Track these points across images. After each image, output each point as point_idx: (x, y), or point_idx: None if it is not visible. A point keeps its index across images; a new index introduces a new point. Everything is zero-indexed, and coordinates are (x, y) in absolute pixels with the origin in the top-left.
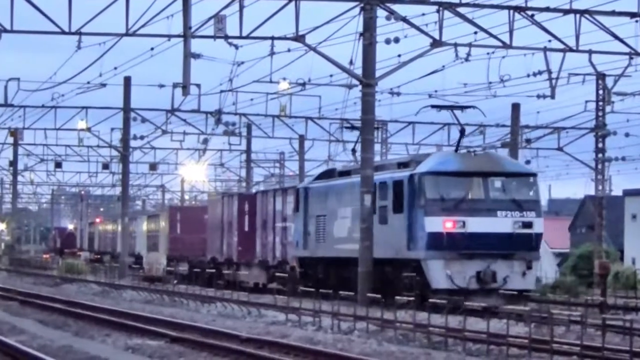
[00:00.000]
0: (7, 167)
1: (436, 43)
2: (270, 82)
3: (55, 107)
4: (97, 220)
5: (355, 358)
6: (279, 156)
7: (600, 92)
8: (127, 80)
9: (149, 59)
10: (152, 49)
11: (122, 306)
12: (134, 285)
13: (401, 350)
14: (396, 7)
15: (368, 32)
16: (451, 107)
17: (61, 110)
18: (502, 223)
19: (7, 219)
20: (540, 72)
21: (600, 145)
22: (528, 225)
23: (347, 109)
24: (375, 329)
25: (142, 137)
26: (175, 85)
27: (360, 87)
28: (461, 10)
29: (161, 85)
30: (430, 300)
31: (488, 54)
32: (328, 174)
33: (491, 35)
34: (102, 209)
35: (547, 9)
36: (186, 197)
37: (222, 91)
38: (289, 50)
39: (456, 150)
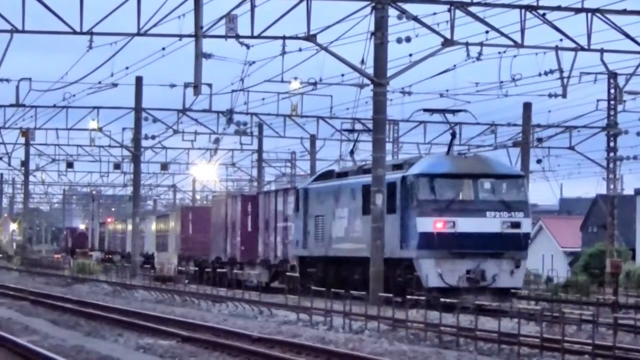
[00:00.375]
0: (19, 167)
1: (447, 42)
2: (282, 81)
3: (66, 107)
4: (109, 220)
5: (366, 357)
6: (290, 156)
7: (612, 91)
8: (139, 80)
9: (161, 58)
10: (163, 48)
11: (134, 306)
12: (145, 285)
13: (412, 350)
14: (407, 7)
15: (379, 32)
16: (443, 111)
17: (73, 110)
18: (491, 223)
19: (18, 219)
20: (551, 71)
21: (611, 144)
22: (516, 225)
23: (359, 108)
24: (387, 329)
25: (153, 137)
26: (186, 85)
27: (371, 86)
28: (472, 9)
29: (172, 85)
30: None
31: (499, 53)
32: (326, 175)
33: (502, 34)
34: (113, 209)
35: (559, 8)
36: (197, 196)
37: (233, 91)
38: (300, 50)
39: (447, 153)
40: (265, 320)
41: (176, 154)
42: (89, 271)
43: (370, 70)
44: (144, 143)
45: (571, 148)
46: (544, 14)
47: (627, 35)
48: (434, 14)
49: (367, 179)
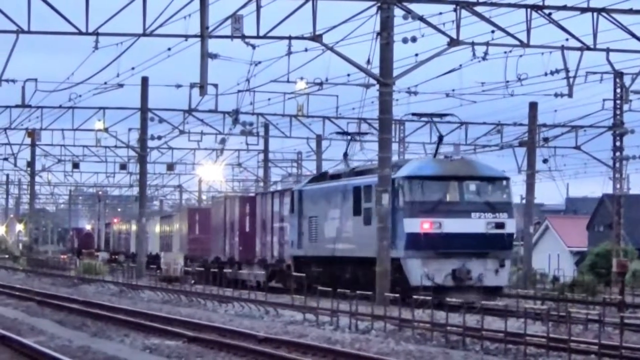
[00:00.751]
0: (25, 167)
1: (453, 42)
2: (288, 81)
3: (72, 107)
4: (115, 220)
5: (373, 358)
6: (297, 156)
7: (618, 90)
8: (145, 81)
9: (166, 59)
10: (169, 49)
11: (140, 306)
12: (151, 285)
13: (419, 350)
14: (413, 6)
15: (385, 32)
16: (431, 115)
17: (78, 110)
18: (476, 224)
19: (25, 220)
20: (557, 71)
21: (618, 143)
22: (500, 225)
23: (365, 108)
24: (393, 329)
25: (159, 137)
26: (192, 85)
27: (377, 86)
28: (478, 9)
29: (178, 86)
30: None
31: (505, 52)
32: (320, 177)
33: (508, 34)
34: (119, 209)
35: (565, 8)
36: (203, 197)
37: (239, 91)
38: (306, 50)
39: (434, 156)
40: (272, 320)
41: (182, 154)
42: (95, 272)
43: (376, 70)
44: (150, 143)
45: (577, 148)
46: (549, 14)
47: (633, 35)
48: (440, 13)
49: (358, 181)
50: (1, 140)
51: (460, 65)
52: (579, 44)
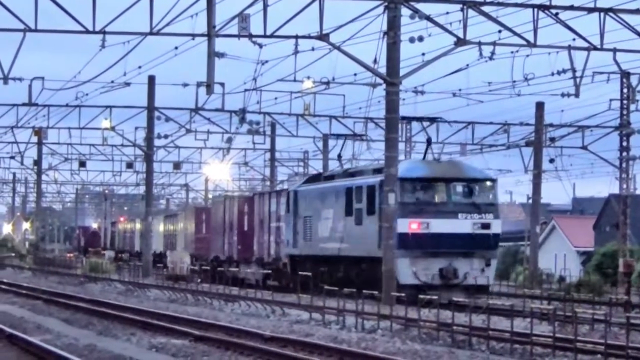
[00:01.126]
0: (32, 166)
1: (460, 42)
2: (294, 80)
3: (79, 106)
4: (121, 219)
5: (379, 357)
6: (303, 155)
7: (625, 90)
8: (151, 79)
9: (173, 58)
10: (176, 48)
11: (146, 305)
12: (157, 284)
13: (425, 349)
14: (420, 6)
15: (392, 31)
16: (420, 119)
17: (85, 109)
18: (463, 224)
19: (31, 218)
20: (564, 71)
21: (624, 143)
22: (486, 226)
23: (371, 107)
24: (399, 328)
25: (166, 136)
26: (199, 84)
27: (384, 85)
28: (485, 8)
29: (185, 84)
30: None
31: (512, 52)
32: (315, 178)
33: (515, 33)
34: (126, 208)
35: (572, 8)
36: (210, 196)
37: (246, 90)
38: (312, 49)
39: (423, 158)
40: (278, 319)
41: (189, 153)
42: (102, 270)
43: (382, 70)
44: (157, 142)
45: (584, 147)
46: (556, 14)
47: None
48: (447, 13)
49: (350, 182)
50: (8, 139)
51: (467, 65)
52: (585, 44)
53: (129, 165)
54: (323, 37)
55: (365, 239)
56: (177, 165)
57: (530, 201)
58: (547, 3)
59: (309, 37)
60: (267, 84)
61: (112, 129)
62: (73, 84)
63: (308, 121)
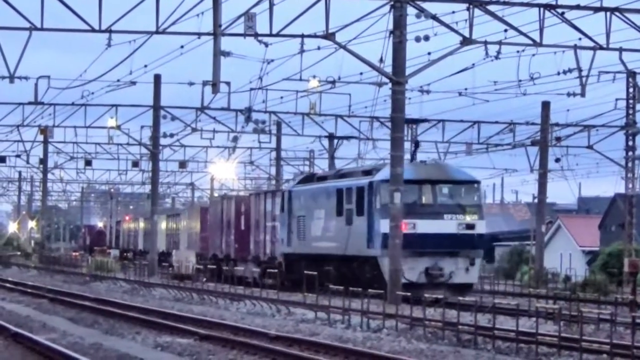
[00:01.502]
0: (37, 165)
1: (466, 41)
2: (300, 80)
3: (85, 104)
4: (127, 218)
5: (385, 356)
6: (309, 154)
7: (631, 90)
8: (157, 78)
9: (179, 56)
10: (182, 46)
11: (152, 304)
12: (163, 283)
13: (431, 349)
14: (426, 5)
15: (398, 30)
16: (407, 122)
17: (91, 108)
18: (448, 225)
19: (37, 217)
20: (570, 70)
21: (630, 143)
22: (471, 226)
23: (377, 106)
24: (405, 327)
25: (171, 135)
26: (205, 83)
27: (390, 85)
28: (491, 8)
29: (191, 83)
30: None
31: (518, 52)
32: (309, 179)
33: (521, 33)
34: (131, 207)
35: (578, 7)
36: (215, 195)
37: (252, 89)
38: (318, 48)
39: (411, 161)
40: (283, 318)
41: (194, 152)
42: (107, 269)
43: (388, 69)
44: (163, 141)
45: (590, 147)
46: (562, 13)
47: None
48: (453, 12)
49: (341, 183)
50: (14, 137)
51: (473, 64)
52: (591, 44)
53: (135, 164)
54: (329, 36)
55: (355, 239)
56: (182, 164)
57: (536, 200)
58: (553, 2)
59: (315, 36)
60: (272, 83)
61: (118, 127)
62: (79, 83)
63: (314, 120)
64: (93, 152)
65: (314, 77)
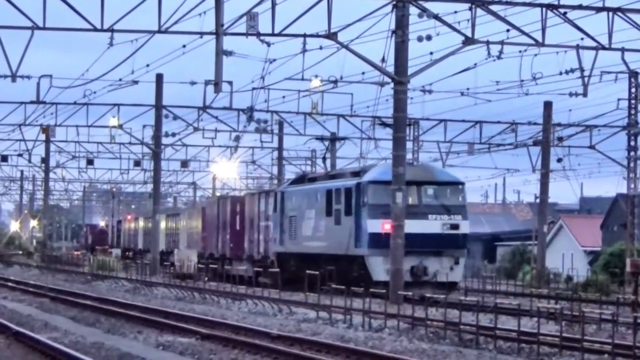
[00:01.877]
0: (39, 164)
1: (468, 41)
2: (302, 79)
3: (87, 104)
4: (129, 217)
5: (386, 356)
6: (311, 154)
7: (633, 90)
8: (159, 78)
9: (181, 56)
10: (184, 46)
11: (153, 303)
12: (165, 282)
13: (432, 348)
14: (428, 5)
15: (400, 30)
16: (388, 125)
17: (93, 107)
18: (433, 225)
19: (39, 216)
20: (572, 70)
21: (632, 143)
22: (455, 227)
23: (379, 106)
24: (406, 327)
25: (173, 134)
26: (207, 83)
27: (392, 84)
28: (493, 7)
29: (193, 83)
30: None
31: (520, 51)
32: (300, 180)
33: (523, 33)
34: (133, 206)
35: (580, 7)
36: (217, 194)
37: (254, 88)
38: (321, 48)
39: None
40: (285, 318)
41: (196, 151)
42: (109, 268)
43: (390, 69)
44: (164, 140)
45: (592, 147)
46: (565, 13)
47: None
48: (455, 12)
49: (330, 184)
50: (16, 137)
51: (475, 64)
52: (594, 44)
53: (137, 163)
54: (331, 35)
55: (343, 238)
56: (184, 164)
57: (538, 200)
58: (556, 2)
59: (317, 35)
60: (275, 83)
61: (120, 127)
62: (81, 82)
63: (316, 120)
64: (95, 152)
65: (316, 76)
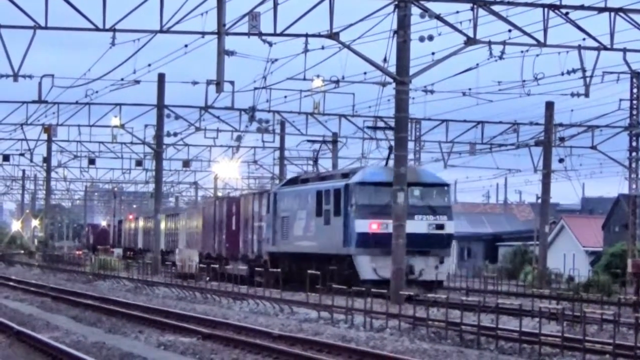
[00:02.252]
0: (41, 163)
1: (470, 41)
2: (304, 79)
3: (89, 103)
4: (130, 217)
5: (387, 356)
6: (312, 153)
7: (635, 90)
8: (161, 77)
9: (183, 55)
10: (186, 45)
11: (155, 303)
12: (166, 282)
13: (434, 348)
14: (430, 5)
15: (402, 30)
16: (384, 128)
17: (95, 106)
18: (419, 225)
19: (40, 215)
20: (574, 71)
21: (634, 143)
22: (440, 227)
23: (381, 106)
24: (408, 327)
25: (175, 134)
26: (209, 82)
27: (394, 84)
28: (495, 8)
29: (195, 82)
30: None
31: (522, 52)
32: (293, 181)
33: (525, 33)
34: (135, 206)
35: (582, 7)
36: (219, 194)
37: (255, 88)
38: (322, 48)
39: (386, 164)
40: (286, 317)
41: (198, 151)
42: (111, 268)
43: (392, 69)
44: (166, 140)
45: (593, 147)
46: (566, 13)
47: None
48: (457, 12)
49: (321, 185)
50: (17, 136)
51: (477, 64)
52: (595, 44)
53: (139, 163)
54: (333, 35)
55: (332, 238)
56: (186, 163)
57: (540, 201)
58: (557, 3)
59: (319, 35)
60: (276, 83)
61: (122, 126)
62: (83, 82)
63: (318, 120)
64: (97, 151)
65: (318, 76)
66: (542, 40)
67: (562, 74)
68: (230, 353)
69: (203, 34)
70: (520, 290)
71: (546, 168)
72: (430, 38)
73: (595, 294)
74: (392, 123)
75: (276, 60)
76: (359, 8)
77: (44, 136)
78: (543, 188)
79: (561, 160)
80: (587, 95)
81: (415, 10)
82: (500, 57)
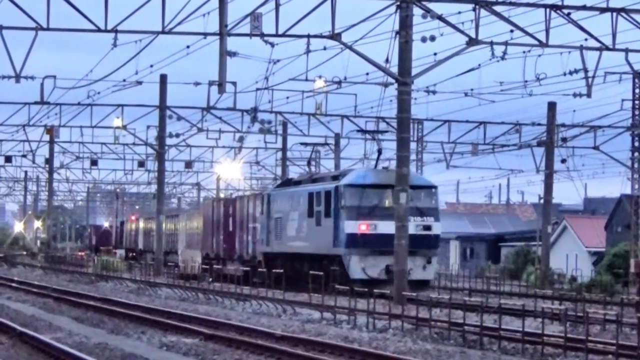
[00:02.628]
0: (43, 164)
1: (472, 41)
2: (306, 80)
3: (91, 104)
4: (133, 218)
5: (390, 357)
6: (315, 154)
7: (637, 90)
8: (163, 78)
9: (185, 56)
10: (188, 46)
11: (157, 304)
12: (169, 283)
13: (437, 349)
14: (432, 5)
15: (404, 31)
16: (372, 132)
17: (97, 107)
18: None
19: (43, 217)
20: (576, 71)
21: (636, 144)
22: (428, 228)
23: (383, 107)
24: (411, 328)
25: (177, 135)
26: (211, 83)
27: (396, 85)
28: (497, 8)
29: (197, 83)
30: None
31: (524, 52)
32: (287, 183)
33: (527, 33)
34: (137, 207)
35: (584, 8)
36: (221, 195)
37: (257, 89)
38: (324, 49)
39: (375, 167)
40: (289, 318)
41: (200, 152)
42: (113, 269)
43: (394, 69)
44: (168, 141)
45: (596, 148)
46: (568, 14)
47: None
48: (459, 13)
49: (312, 187)
50: (20, 137)
51: (479, 65)
52: (598, 44)
53: (141, 164)
54: (335, 36)
55: (323, 238)
56: (188, 164)
57: (542, 201)
58: (559, 3)
59: (321, 36)
60: (278, 83)
61: (124, 127)
62: (85, 83)
63: (320, 120)
64: (99, 152)
65: (320, 77)
66: (544, 40)
67: (564, 74)
68: (232, 354)
69: (205, 34)
70: (523, 290)
71: (548, 168)
72: (432, 38)
73: (598, 295)
74: (394, 124)
75: (278, 61)
76: (361, 9)
77: (46, 137)
78: (545, 188)
79: (563, 161)
80: (589, 95)
81: (417, 11)
82: (502, 58)
